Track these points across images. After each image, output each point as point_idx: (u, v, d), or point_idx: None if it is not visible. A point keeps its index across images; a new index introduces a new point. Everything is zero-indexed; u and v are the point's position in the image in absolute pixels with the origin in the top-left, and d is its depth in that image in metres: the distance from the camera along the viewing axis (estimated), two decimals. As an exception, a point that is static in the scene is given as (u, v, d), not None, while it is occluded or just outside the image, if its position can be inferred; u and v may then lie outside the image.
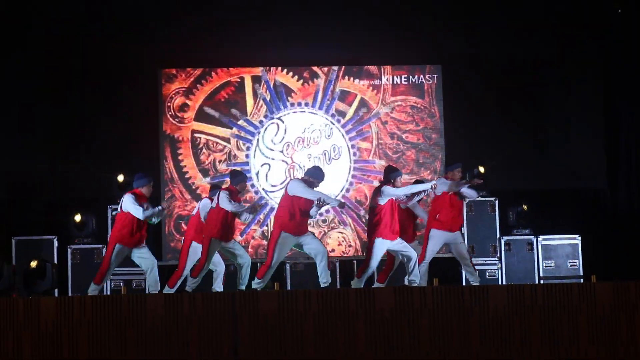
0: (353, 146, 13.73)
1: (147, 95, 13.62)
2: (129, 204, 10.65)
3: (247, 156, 13.65)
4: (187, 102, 13.65)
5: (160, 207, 10.79)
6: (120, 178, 12.98)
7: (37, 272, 11.72)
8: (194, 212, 11.40)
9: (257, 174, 13.59)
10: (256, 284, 10.60)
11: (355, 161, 13.70)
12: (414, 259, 10.64)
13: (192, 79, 13.68)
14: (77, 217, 12.94)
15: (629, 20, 13.90)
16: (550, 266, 12.89)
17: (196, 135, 13.64)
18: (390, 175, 10.84)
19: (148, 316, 9.12)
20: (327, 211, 13.59)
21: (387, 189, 10.63)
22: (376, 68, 13.82)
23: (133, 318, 9.12)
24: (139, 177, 10.95)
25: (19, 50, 13.57)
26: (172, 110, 13.62)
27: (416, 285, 10.50)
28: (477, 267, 12.59)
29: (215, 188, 11.51)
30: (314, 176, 10.68)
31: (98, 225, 13.00)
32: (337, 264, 12.98)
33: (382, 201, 10.61)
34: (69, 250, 12.75)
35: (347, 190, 13.64)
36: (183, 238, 11.64)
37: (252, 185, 13.48)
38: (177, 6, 13.69)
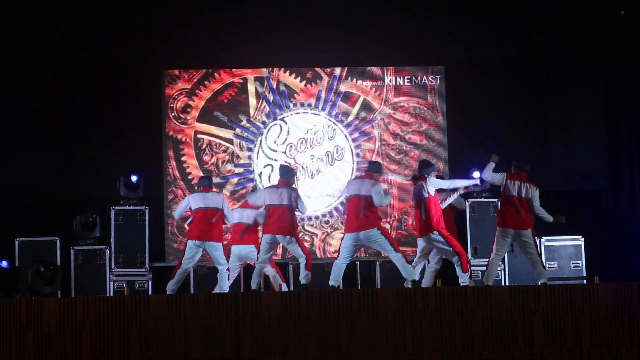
0: (356, 147, 13.73)
1: (150, 97, 13.63)
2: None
3: (249, 157, 13.65)
4: (190, 103, 13.66)
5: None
6: (134, 178, 13.01)
7: (46, 275, 11.76)
8: (234, 221, 11.63)
9: (260, 175, 13.59)
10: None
11: (358, 162, 13.70)
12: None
13: (194, 80, 13.69)
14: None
15: (631, 21, 13.90)
16: (553, 267, 12.88)
17: (199, 136, 13.65)
18: (424, 170, 10.87)
19: (151, 317, 9.13)
20: (330, 213, 13.60)
21: (432, 179, 10.75)
22: (379, 69, 13.82)
23: (136, 319, 9.13)
24: (205, 178, 11.68)
25: (23, 51, 13.58)
26: (175, 112, 13.63)
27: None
28: (480, 268, 12.64)
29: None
30: (378, 171, 10.85)
31: (101, 227, 13.00)
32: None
33: (432, 192, 10.70)
34: (72, 252, 12.75)
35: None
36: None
37: (255, 187, 13.47)
38: (180, 8, 13.70)
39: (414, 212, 10.95)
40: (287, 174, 11.17)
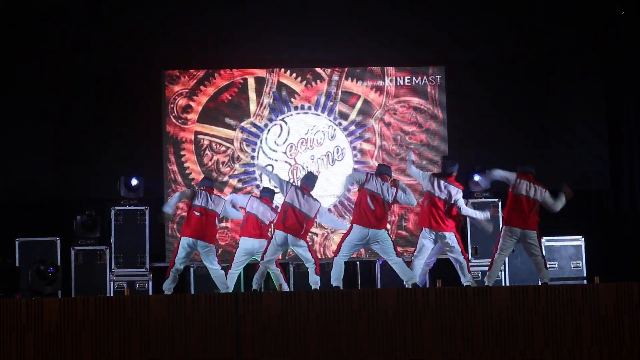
0: (356, 147, 13.72)
1: (150, 97, 13.63)
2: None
3: (252, 157, 13.64)
4: (190, 103, 13.65)
5: None
6: (134, 182, 13.00)
7: (47, 275, 11.76)
8: (252, 211, 11.68)
9: (260, 175, 13.58)
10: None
11: (359, 162, 13.69)
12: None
13: (195, 81, 13.68)
14: None
15: (632, 21, 13.90)
16: (554, 267, 12.87)
17: (199, 136, 13.64)
18: (451, 168, 11.01)
19: (151, 317, 9.14)
20: (330, 211, 13.59)
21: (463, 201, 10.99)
22: (379, 69, 13.82)
23: (136, 319, 9.13)
24: (207, 179, 11.91)
25: (23, 51, 13.58)
26: (175, 112, 13.63)
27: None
28: (480, 269, 12.65)
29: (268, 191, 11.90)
30: (389, 173, 11.07)
31: (101, 227, 13.00)
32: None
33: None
34: (72, 252, 12.75)
35: (349, 191, 13.61)
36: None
37: (257, 186, 13.47)
38: (180, 8, 13.70)
39: (430, 202, 10.91)
40: (313, 181, 11.27)
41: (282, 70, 13.76)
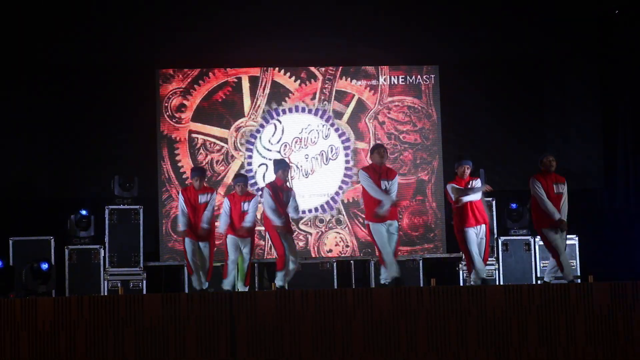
0: (349, 147, 13.72)
1: (145, 96, 13.62)
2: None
3: (247, 156, 13.63)
4: (185, 102, 13.64)
5: None
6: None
7: (41, 273, 11.75)
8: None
9: (254, 174, 13.57)
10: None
11: (352, 161, 13.69)
12: None
13: (189, 80, 13.67)
14: None
15: (627, 20, 13.92)
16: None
17: (193, 135, 13.63)
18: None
19: (145, 316, 9.13)
20: (324, 210, 13.59)
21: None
22: (373, 68, 13.82)
23: (130, 318, 9.13)
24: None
25: (17, 50, 13.56)
26: (169, 111, 13.62)
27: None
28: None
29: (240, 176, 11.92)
30: None
31: (96, 226, 12.99)
32: (335, 265, 12.98)
33: None
34: (67, 251, 12.74)
35: (342, 189, 13.62)
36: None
37: (253, 184, 13.46)
38: (175, 7, 13.69)
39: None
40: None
41: (276, 69, 13.75)
